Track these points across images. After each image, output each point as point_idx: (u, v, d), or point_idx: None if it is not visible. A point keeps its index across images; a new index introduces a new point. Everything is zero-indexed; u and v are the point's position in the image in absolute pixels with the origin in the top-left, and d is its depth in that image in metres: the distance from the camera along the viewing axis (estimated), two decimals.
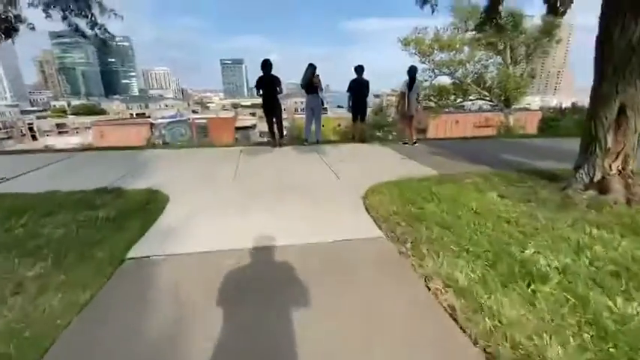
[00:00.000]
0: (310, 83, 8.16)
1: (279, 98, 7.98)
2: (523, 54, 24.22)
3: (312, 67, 8.16)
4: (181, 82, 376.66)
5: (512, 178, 5.06)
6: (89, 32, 7.88)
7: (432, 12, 6.02)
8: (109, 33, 8.12)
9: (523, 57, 24.31)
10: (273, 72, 7.81)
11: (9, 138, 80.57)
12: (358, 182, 5.15)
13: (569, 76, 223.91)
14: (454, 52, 23.84)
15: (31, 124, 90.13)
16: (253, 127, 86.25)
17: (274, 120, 8.19)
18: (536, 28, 22.96)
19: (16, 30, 7.20)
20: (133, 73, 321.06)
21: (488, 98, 25.23)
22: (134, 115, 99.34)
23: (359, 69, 8.55)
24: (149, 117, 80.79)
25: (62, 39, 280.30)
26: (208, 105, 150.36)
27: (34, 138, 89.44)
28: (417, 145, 8.49)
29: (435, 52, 23.82)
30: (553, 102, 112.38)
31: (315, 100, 8.49)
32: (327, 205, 4.33)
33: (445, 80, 25.89)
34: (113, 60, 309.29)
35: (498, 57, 23.99)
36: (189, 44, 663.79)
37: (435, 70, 25.06)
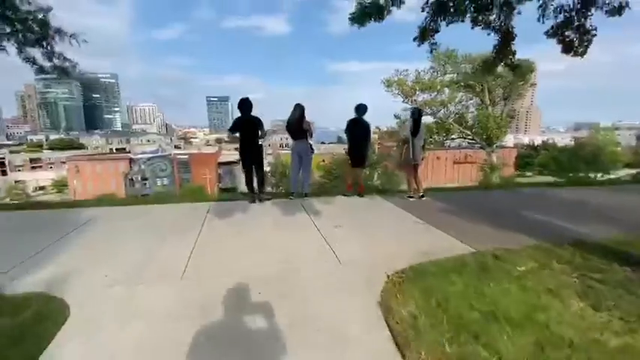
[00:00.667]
0: (298, 127, 6.81)
1: (260, 144, 6.58)
2: (500, 96, 25.15)
3: (300, 108, 6.79)
4: (167, 117, 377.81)
5: (577, 263, 3.63)
6: (48, 63, 7.01)
7: (431, 51, 5.56)
8: (69, 61, 7.21)
9: (500, 98, 25.22)
10: (256, 112, 6.59)
11: None
12: (368, 267, 3.63)
13: (537, 115, 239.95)
14: (435, 93, 24.49)
15: (2, 158, 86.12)
16: (238, 162, 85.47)
17: (254, 168, 6.68)
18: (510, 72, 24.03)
19: None
20: (116, 109, 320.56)
21: (470, 137, 25.65)
22: (114, 150, 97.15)
23: (361, 108, 7.14)
24: (129, 152, 79.03)
25: (46, 74, 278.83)
26: (192, 140, 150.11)
27: (3, 173, 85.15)
28: (424, 198, 7.07)
29: (417, 93, 24.39)
30: (525, 140, 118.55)
31: (302, 146, 7.06)
32: (327, 328, 2.61)
33: (428, 119, 26.29)
34: (97, 95, 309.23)
35: (478, 98, 24.77)
36: (177, 81, 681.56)
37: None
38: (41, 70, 7.21)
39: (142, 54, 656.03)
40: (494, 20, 4.61)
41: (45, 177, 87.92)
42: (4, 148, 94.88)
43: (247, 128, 6.40)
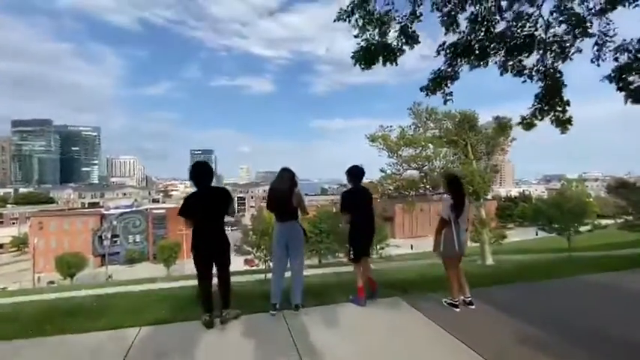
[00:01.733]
0: (287, 202, 4.41)
1: (224, 229, 4.23)
2: (483, 150, 25.52)
3: (289, 176, 4.46)
4: (149, 170, 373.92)
5: None
6: None
7: (445, 102, 4.69)
8: None
9: (483, 153, 25.56)
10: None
11: None
12: None
13: (509, 167, 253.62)
14: (420, 148, 24.58)
15: None
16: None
17: (216, 272, 4.22)
18: (491, 126, 24.73)
19: None
20: (95, 161, 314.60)
21: None
22: (86, 205, 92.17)
23: (357, 173, 4.94)
24: (102, 207, 74.93)
25: (24, 127, 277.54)
26: (172, 193, 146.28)
27: None
28: (473, 307, 4.54)
29: (402, 148, 24.41)
30: (502, 192, 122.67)
31: (292, 231, 4.55)
32: None
33: (414, 174, 26.16)
34: (77, 148, 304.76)
35: (462, 153, 25.02)
36: (161, 135, 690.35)
37: (404, 165, 25.35)
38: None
39: (127, 109, 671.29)
40: (536, 64, 3.82)
41: (4, 234, 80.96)
42: None
43: (206, 208, 4.07)
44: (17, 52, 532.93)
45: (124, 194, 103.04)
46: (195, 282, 4.33)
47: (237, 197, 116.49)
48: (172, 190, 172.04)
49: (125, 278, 51.72)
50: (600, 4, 3.67)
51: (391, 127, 25.61)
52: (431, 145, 25.04)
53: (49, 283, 48.65)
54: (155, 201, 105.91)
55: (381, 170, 26.10)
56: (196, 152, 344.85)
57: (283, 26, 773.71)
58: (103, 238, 57.53)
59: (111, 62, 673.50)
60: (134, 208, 67.43)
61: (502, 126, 23.74)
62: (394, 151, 24.81)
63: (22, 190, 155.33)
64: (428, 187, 27.08)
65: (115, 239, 60.93)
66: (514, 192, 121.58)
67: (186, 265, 56.32)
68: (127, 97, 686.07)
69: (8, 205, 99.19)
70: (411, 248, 65.90)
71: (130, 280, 47.37)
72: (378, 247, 29.72)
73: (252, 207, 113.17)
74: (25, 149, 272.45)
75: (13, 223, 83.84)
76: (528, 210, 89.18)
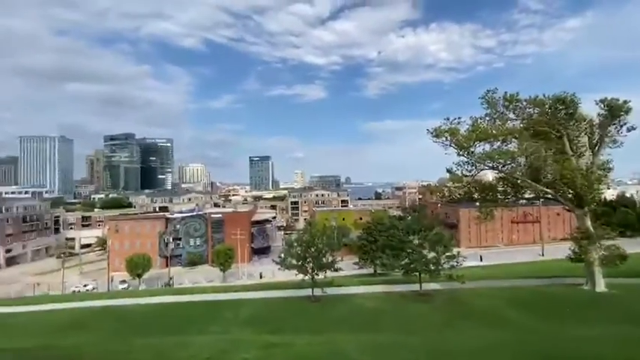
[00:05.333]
0: None
1: None
2: (585, 144, 19.81)
3: None
4: (213, 176, 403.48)
5: None
6: None
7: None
8: None
9: (586, 147, 19.83)
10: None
11: (32, 230, 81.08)
12: None
13: None
14: (499, 142, 19.89)
15: (58, 216, 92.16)
16: (273, 219, 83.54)
17: None
18: (598, 114, 19.03)
19: None
20: (169, 169, 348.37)
21: (550, 196, 19.97)
22: (156, 209, 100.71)
23: None
24: (168, 211, 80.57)
25: (113, 141, 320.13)
26: (231, 198, 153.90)
27: (56, 231, 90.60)
28: None
29: (476, 143, 19.96)
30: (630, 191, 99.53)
31: None
32: None
33: (490, 175, 21.34)
34: (154, 158, 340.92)
35: (557, 148, 19.65)
36: (224, 144, 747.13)
37: (477, 164, 20.80)
38: None
39: (195, 121, 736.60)
40: None
41: (91, 235, 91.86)
42: (61, 206, 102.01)
43: None
44: (107, 77, 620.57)
45: (189, 199, 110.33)
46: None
47: (291, 202, 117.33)
48: (233, 195, 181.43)
49: (186, 280, 53.89)
50: None
51: (460, 118, 21.29)
52: (513, 139, 20.16)
53: (121, 282, 52.57)
54: (216, 205, 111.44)
55: (449, 170, 21.83)
56: (255, 159, 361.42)
57: (334, 33, 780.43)
58: (167, 241, 60.90)
59: (181, 81, 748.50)
60: (195, 213, 70.78)
61: (615, 109, 18.04)
62: (464, 147, 20.46)
63: (111, 195, 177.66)
64: (508, 189, 22.08)
65: (177, 242, 64.24)
66: (609, 194, 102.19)
67: (241, 269, 56.90)
68: (195, 110, 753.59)
69: (96, 209, 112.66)
70: (480, 260, 58.18)
71: (206, 287, 48.54)
72: (448, 262, 24.97)
73: (305, 211, 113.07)
74: (113, 160, 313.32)
75: (99, 225, 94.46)
76: (632, 217, 73.61)
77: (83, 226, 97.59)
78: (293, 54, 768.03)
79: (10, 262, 72.70)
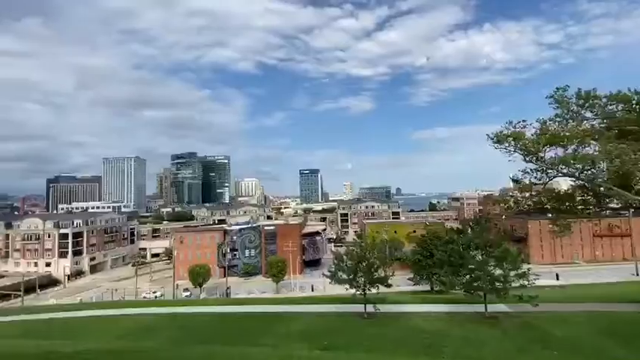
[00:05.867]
0: None
1: None
2: None
3: None
4: (266, 190, 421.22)
5: None
6: None
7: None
8: None
9: None
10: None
11: (112, 241, 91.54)
12: None
13: None
14: (574, 146, 17.54)
15: (133, 228, 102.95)
16: (322, 232, 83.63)
17: None
18: None
19: None
20: (226, 184, 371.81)
21: None
22: (215, 222, 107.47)
23: None
24: (225, 224, 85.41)
25: (178, 160, 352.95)
26: (283, 211, 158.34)
27: (132, 241, 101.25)
28: None
29: (546, 148, 17.84)
30: None
31: None
32: None
33: (565, 183, 18.90)
34: (213, 174, 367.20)
35: None
36: (275, 159, 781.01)
37: (548, 171, 18.54)
38: None
39: (249, 138, 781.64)
40: None
41: (160, 245, 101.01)
42: (135, 219, 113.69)
43: None
44: (174, 102, 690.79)
45: (244, 212, 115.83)
46: None
47: (341, 214, 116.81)
48: (284, 208, 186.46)
49: (242, 291, 55.92)
50: None
51: (525, 121, 19.24)
52: (592, 142, 17.64)
53: (185, 290, 56.38)
54: (269, 218, 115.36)
55: (514, 179, 19.77)
56: (305, 172, 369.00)
57: (381, 44, 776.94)
58: (225, 251, 64.21)
59: (237, 102, 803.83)
60: (250, 225, 73.89)
61: None
62: (532, 152, 18.38)
63: (176, 209, 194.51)
64: (589, 199, 19.28)
65: (234, 253, 67.38)
66: None
67: (293, 281, 57.51)
68: (249, 128, 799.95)
69: (164, 222, 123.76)
70: (557, 278, 51.43)
71: (273, 298, 50.11)
72: (517, 281, 22.20)
73: (354, 223, 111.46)
74: (179, 177, 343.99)
75: (166, 237, 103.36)
76: None
77: (153, 237, 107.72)
78: (339, 68, 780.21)
79: (93, 269, 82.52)
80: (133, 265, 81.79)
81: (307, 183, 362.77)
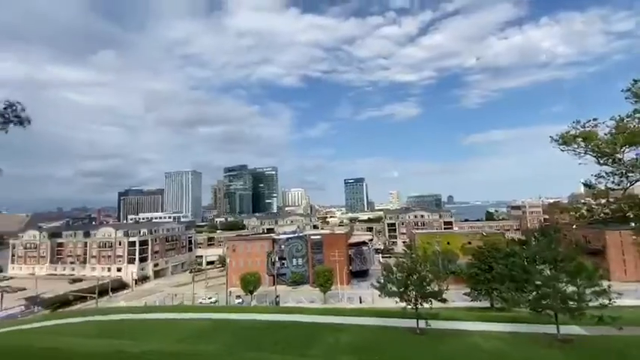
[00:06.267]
0: None
1: None
2: None
3: None
4: (312, 200, 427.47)
5: None
6: None
7: None
8: None
9: None
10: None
11: (172, 249, 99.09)
12: None
13: None
14: None
15: (190, 237, 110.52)
16: (369, 242, 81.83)
17: None
18: None
19: None
20: (274, 195, 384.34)
21: None
22: (265, 231, 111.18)
23: None
24: (274, 233, 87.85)
25: (230, 172, 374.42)
26: (329, 220, 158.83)
27: (190, 249, 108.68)
28: None
29: (625, 148, 15.61)
30: None
31: None
32: None
33: None
34: (262, 185, 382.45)
35: None
36: (319, 168, 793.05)
37: (628, 174, 16.18)
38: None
39: (295, 150, 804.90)
40: None
41: (215, 253, 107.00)
42: (192, 229, 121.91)
43: None
44: (226, 119, 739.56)
45: (291, 221, 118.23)
46: None
47: (388, 224, 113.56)
48: (330, 217, 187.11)
49: (290, 299, 56.66)
50: None
51: (596, 119, 17.07)
52: None
53: (237, 297, 58.69)
54: (315, 227, 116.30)
55: (586, 184, 17.53)
56: (349, 181, 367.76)
57: (425, 48, 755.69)
58: (273, 260, 65.87)
59: (283, 115, 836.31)
60: (297, 234, 75.14)
61: None
62: (608, 154, 16.19)
63: (229, 218, 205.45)
64: None
65: (282, 262, 68.81)
66: None
67: (341, 292, 56.85)
68: (295, 140, 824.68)
69: (218, 231, 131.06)
70: None
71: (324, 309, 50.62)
72: (595, 300, 19.55)
73: (403, 234, 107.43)
74: (231, 188, 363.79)
75: (220, 245, 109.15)
76: None
77: (208, 245, 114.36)
78: (382, 75, 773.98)
79: (157, 274, 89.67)
80: (190, 272, 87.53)
81: (352, 192, 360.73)
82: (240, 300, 57.50)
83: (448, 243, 65.73)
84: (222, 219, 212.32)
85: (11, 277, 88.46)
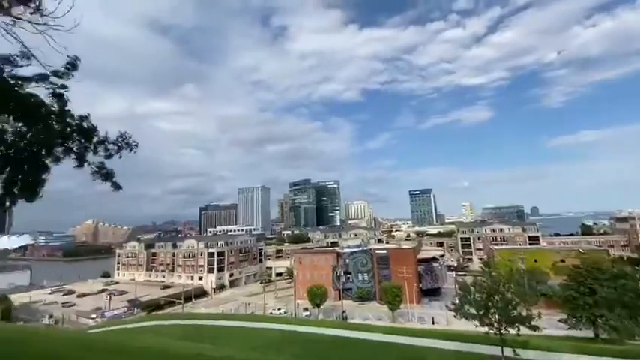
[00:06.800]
0: None
1: None
2: None
3: None
4: (376, 213, 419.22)
5: None
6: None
7: None
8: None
9: None
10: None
11: (245, 260, 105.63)
12: None
13: None
14: None
15: (261, 249, 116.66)
16: (441, 258, 76.09)
17: None
18: None
19: None
20: (337, 208, 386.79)
21: None
22: (329, 244, 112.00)
23: None
24: (338, 246, 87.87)
25: (295, 187, 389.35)
26: (394, 234, 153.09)
27: (260, 260, 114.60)
28: None
29: None
30: None
31: None
32: None
33: None
34: (325, 199, 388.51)
35: None
36: (381, 180, 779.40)
37: None
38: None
39: (356, 162, 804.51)
40: None
41: (283, 265, 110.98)
42: (262, 241, 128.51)
43: None
44: (290, 136, 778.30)
45: (355, 235, 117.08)
46: None
47: (461, 238, 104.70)
48: (395, 231, 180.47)
49: (356, 315, 55.43)
50: None
51: None
52: None
53: (305, 309, 59.56)
54: (380, 241, 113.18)
55: None
56: (415, 193, 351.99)
57: (494, 47, 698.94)
58: (339, 274, 65.58)
59: (344, 129, 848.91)
60: (361, 248, 73.91)
61: None
62: None
63: (295, 231, 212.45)
64: None
65: (348, 276, 68.09)
66: None
67: (410, 311, 53.72)
68: (355, 153, 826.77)
69: (285, 244, 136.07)
70: None
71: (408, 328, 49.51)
72: None
73: (479, 249, 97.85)
74: (296, 202, 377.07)
75: (287, 257, 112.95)
76: None
77: (277, 257, 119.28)
78: (447, 80, 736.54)
79: (232, 284, 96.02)
80: (260, 283, 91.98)
81: (418, 204, 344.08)
82: (308, 313, 58.18)
83: (535, 260, 58.02)
84: (289, 232, 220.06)
85: (117, 282, 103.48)
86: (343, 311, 54.37)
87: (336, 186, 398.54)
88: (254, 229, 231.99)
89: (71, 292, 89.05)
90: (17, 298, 74.02)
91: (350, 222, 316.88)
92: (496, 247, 78.04)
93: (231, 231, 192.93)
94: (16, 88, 5.93)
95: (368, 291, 65.10)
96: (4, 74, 5.79)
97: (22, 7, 5.60)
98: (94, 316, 63.92)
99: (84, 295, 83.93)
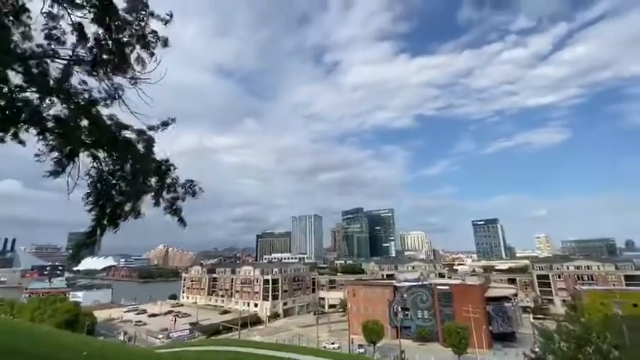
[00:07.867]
0: None
1: None
2: None
3: None
4: (434, 244, 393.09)
5: None
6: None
7: None
8: None
9: None
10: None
11: (299, 289, 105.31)
12: None
13: None
14: None
15: (314, 278, 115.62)
16: (513, 297, 66.96)
17: None
18: None
19: None
20: (392, 238, 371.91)
21: None
22: (384, 276, 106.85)
23: None
24: (394, 279, 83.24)
25: (347, 215, 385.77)
26: (457, 268, 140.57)
27: (313, 290, 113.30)
28: None
29: None
30: None
31: None
32: None
33: None
34: (379, 228, 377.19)
35: None
36: (441, 209, 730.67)
37: None
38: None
39: (412, 190, 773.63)
40: None
41: (336, 296, 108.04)
42: (315, 270, 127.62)
43: None
44: (342, 164, 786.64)
45: (412, 267, 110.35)
46: None
47: (537, 275, 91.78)
48: (458, 264, 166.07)
49: (417, 357, 50.80)
50: None
51: None
52: None
53: (359, 346, 56.48)
54: (441, 276, 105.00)
55: None
56: (479, 223, 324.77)
57: (563, 64, 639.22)
58: (396, 310, 61.55)
59: (397, 156, 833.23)
60: (420, 282, 69.00)
61: None
62: None
63: (348, 261, 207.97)
64: None
65: (405, 312, 63.56)
66: None
67: (480, 357, 47.64)
68: (411, 180, 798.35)
69: (338, 274, 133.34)
70: None
71: None
72: None
73: (561, 289, 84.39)
74: (348, 231, 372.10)
75: (341, 288, 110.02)
76: None
77: (330, 288, 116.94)
78: (510, 102, 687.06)
79: (285, 313, 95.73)
80: (314, 314, 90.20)
81: (484, 235, 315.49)
82: (363, 350, 55.04)
83: (635, 305, 48.43)
84: (342, 261, 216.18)
85: (181, 304, 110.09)
86: (402, 351, 50.33)
87: (390, 214, 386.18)
88: (307, 258, 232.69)
89: (144, 311, 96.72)
90: (99, 315, 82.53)
91: (406, 253, 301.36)
92: (584, 287, 67.09)
93: (285, 259, 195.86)
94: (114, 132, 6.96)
95: (430, 330, 59.77)
96: (109, 121, 6.84)
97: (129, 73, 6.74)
98: (160, 336, 68.17)
99: (154, 315, 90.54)
